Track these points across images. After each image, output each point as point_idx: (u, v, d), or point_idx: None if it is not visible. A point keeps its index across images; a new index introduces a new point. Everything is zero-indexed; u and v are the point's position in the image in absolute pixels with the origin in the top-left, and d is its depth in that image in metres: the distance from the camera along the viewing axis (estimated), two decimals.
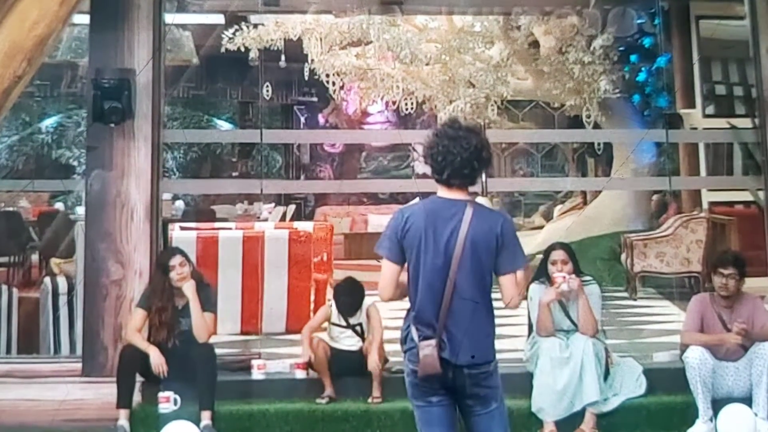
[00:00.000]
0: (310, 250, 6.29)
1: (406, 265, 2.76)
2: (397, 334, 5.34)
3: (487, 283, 2.72)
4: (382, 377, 4.48)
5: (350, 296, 4.59)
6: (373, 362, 4.42)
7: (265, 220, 9.06)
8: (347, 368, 4.48)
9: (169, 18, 5.29)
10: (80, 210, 6.96)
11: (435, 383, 2.68)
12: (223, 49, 8.20)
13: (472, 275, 2.68)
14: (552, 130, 10.16)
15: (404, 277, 2.77)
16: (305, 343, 4.50)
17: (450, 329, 2.66)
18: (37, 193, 9.53)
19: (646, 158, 8.37)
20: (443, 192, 2.75)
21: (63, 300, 5.09)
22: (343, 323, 4.59)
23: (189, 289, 4.38)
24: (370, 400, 4.43)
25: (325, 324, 4.68)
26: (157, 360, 4.28)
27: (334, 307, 4.63)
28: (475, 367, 2.68)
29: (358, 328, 4.59)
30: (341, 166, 12.45)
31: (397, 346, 5.13)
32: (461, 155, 2.69)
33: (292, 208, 10.21)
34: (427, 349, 2.64)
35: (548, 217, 10.66)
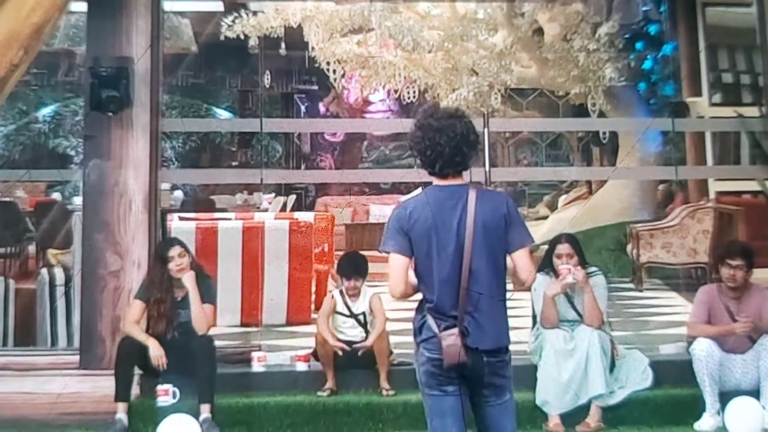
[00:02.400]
0: (311, 240, 6.25)
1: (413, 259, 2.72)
2: (399, 326, 5.26)
3: (501, 265, 2.71)
4: (389, 369, 4.44)
5: (352, 260, 4.63)
6: (366, 344, 4.39)
7: (265, 210, 9.02)
8: (351, 360, 4.44)
9: (168, 5, 5.24)
10: (77, 200, 6.91)
11: (452, 372, 2.65)
12: (222, 37, 8.12)
13: (486, 258, 2.66)
14: (556, 119, 10.10)
15: (411, 273, 2.72)
16: (326, 331, 4.46)
17: (471, 315, 2.65)
18: (34, 183, 9.50)
19: (652, 147, 8.31)
20: (440, 181, 2.74)
21: (60, 291, 5.05)
22: (347, 312, 4.56)
23: (188, 280, 4.33)
24: (384, 393, 4.39)
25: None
26: (156, 352, 4.24)
27: (337, 296, 4.60)
28: (494, 354, 2.68)
29: (361, 317, 4.56)
30: (342, 155, 12.38)
31: (399, 338, 5.08)
32: (449, 145, 2.67)
33: (292, 198, 10.17)
34: (450, 338, 2.61)
35: (553, 207, 10.60)
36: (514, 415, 2.76)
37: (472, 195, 2.66)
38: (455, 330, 2.61)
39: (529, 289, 4.09)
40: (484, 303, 2.65)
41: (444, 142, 2.66)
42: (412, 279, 2.71)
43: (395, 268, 2.69)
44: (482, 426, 2.72)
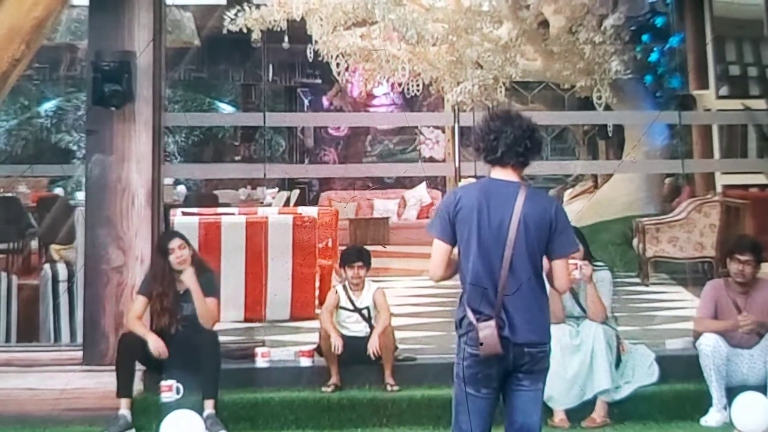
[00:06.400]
0: (315, 235, 6.22)
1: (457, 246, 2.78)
2: (404, 321, 5.23)
3: (539, 263, 2.75)
4: (393, 364, 4.43)
5: (355, 249, 4.69)
6: (373, 345, 4.38)
7: (269, 205, 9.00)
8: (355, 355, 4.42)
9: None
10: (80, 195, 6.89)
11: (493, 367, 2.69)
12: (224, 31, 8.05)
13: (526, 256, 2.71)
14: (562, 112, 10.05)
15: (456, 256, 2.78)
16: (328, 325, 4.45)
17: (507, 309, 2.69)
18: (37, 178, 9.51)
19: (659, 141, 8.26)
20: (497, 173, 2.78)
21: (63, 287, 5.04)
22: (350, 306, 4.55)
23: (188, 277, 4.29)
24: (389, 388, 4.38)
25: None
26: (155, 344, 4.21)
27: (340, 290, 4.59)
28: (535, 345, 2.72)
29: (365, 311, 4.55)
30: (346, 149, 12.33)
31: (404, 333, 5.06)
32: (514, 133, 2.74)
33: (296, 192, 10.13)
34: (487, 329, 2.66)
35: (558, 201, 10.53)
36: (541, 406, 2.80)
37: (522, 194, 2.70)
38: (492, 322, 2.65)
39: None
40: (520, 298, 2.69)
41: (510, 130, 2.74)
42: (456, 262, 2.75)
43: (436, 252, 2.76)
44: (511, 409, 2.75)
